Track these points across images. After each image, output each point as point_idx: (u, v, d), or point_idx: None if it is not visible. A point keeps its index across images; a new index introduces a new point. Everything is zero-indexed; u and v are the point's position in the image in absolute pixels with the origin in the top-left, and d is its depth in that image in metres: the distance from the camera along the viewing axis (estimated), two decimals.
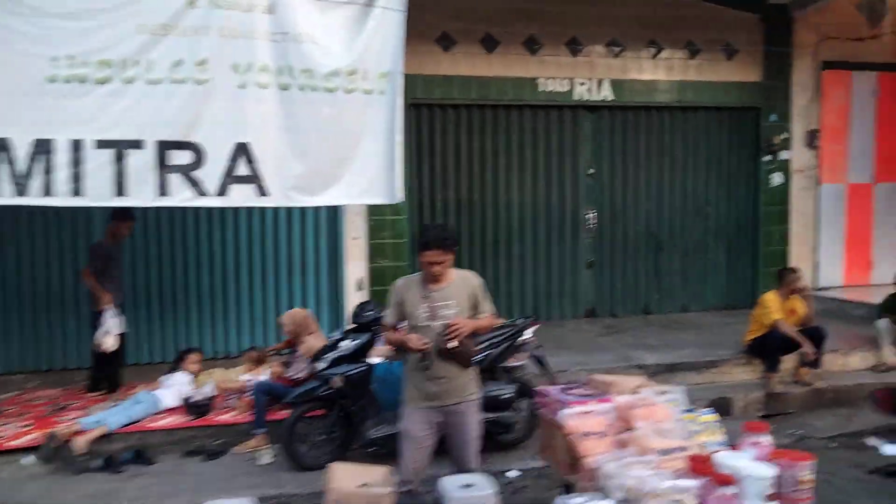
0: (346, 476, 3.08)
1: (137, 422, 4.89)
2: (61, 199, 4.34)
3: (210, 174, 4.60)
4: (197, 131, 4.56)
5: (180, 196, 4.57)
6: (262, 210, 6.86)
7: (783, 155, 8.27)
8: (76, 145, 4.33)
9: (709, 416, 3.07)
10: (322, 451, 4.47)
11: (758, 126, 8.22)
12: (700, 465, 2.58)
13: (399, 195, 5.08)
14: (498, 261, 7.71)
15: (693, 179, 8.29)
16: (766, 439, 2.71)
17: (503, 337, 4.63)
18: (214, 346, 6.79)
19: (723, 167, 8.36)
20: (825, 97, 8.42)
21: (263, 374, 5.26)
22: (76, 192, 4.35)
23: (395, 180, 5.05)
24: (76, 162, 4.34)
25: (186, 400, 5.05)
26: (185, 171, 4.55)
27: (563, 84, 7.56)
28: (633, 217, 8.15)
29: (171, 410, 5.10)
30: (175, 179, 4.54)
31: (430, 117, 7.39)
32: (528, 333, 4.73)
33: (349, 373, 4.29)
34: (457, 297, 3.25)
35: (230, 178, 4.65)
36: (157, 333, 6.72)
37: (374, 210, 6.98)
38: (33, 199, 4.31)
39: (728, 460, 2.60)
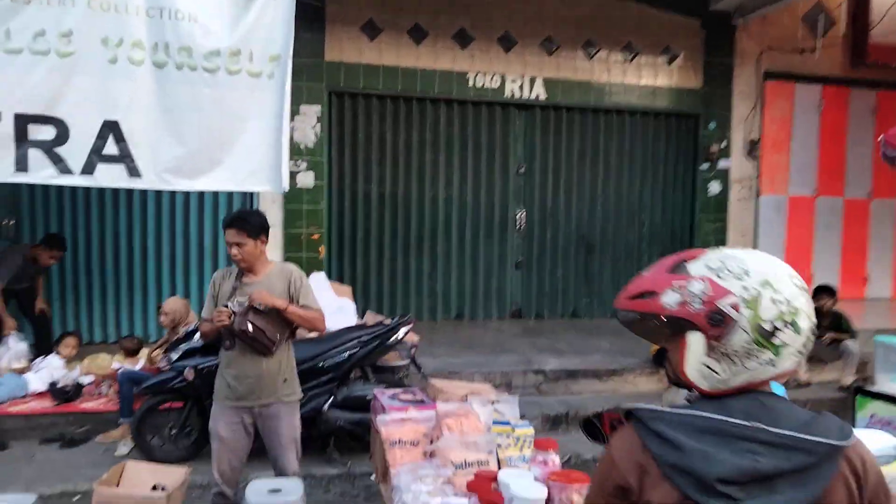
0: (138, 475, 2.89)
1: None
2: None
3: (74, 151, 4.40)
4: (60, 106, 4.36)
5: (42, 173, 4.37)
6: (172, 194, 6.68)
7: (722, 164, 8.12)
8: None
9: (524, 430, 2.90)
10: (177, 445, 4.29)
11: (696, 133, 8.08)
12: (478, 483, 2.41)
13: (285, 184, 4.89)
14: (422, 257, 7.53)
15: (628, 184, 8.14)
16: (553, 458, 2.54)
17: (371, 336, 4.45)
18: (106, 332, 6.59)
19: (659, 173, 8.21)
20: (768, 107, 8.28)
21: (140, 363, 5.06)
22: None
23: (281, 168, 4.86)
24: None
25: (53, 385, 4.85)
26: (47, 146, 4.35)
27: (494, 80, 7.38)
28: (564, 218, 7.99)
29: (38, 395, 4.89)
30: (35, 154, 4.34)
31: (352, 106, 7.20)
32: (401, 333, 4.55)
33: (200, 365, 4.10)
34: (270, 289, 3.07)
35: (97, 156, 4.45)
36: (58, 314, 6.52)
37: (290, 198, 6.79)
38: None
39: (506, 478, 2.42)
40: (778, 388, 1.84)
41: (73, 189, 6.28)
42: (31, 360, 5.14)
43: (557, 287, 8.02)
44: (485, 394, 3.23)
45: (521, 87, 7.48)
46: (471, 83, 7.31)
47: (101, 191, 6.45)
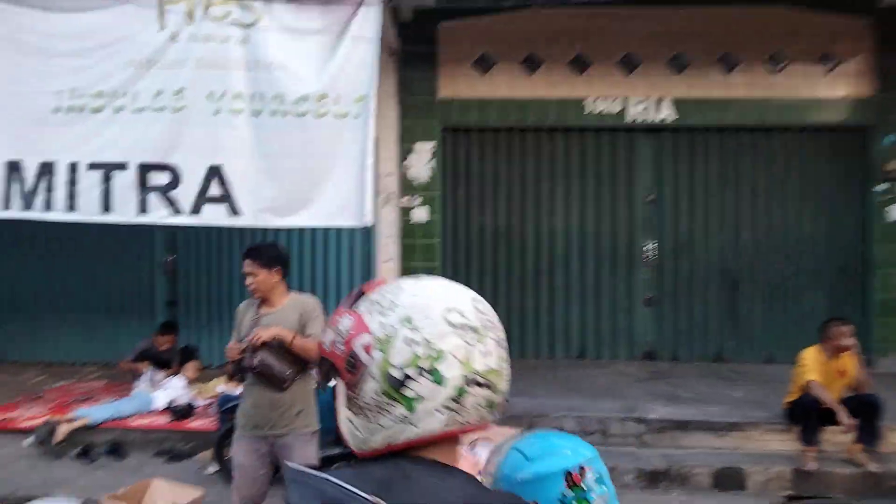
0: (160, 493, 3.09)
1: (126, 418, 5.33)
2: (59, 214, 4.95)
3: (185, 194, 4.95)
4: (174, 154, 4.94)
5: (158, 213, 4.97)
6: (301, 231, 7.18)
7: None
8: (72, 167, 4.92)
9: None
10: None
11: (867, 149, 6.89)
12: None
13: (368, 219, 5.04)
14: (539, 291, 7.26)
15: (780, 210, 7.15)
16: None
17: None
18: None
19: (819, 197, 7.11)
20: None
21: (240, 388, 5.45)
22: (71, 207, 4.93)
23: (364, 203, 5.02)
24: (72, 182, 4.92)
25: (170, 404, 5.41)
26: (163, 190, 4.95)
27: (615, 104, 6.98)
28: (703, 250, 7.22)
29: (160, 412, 5.48)
30: (154, 198, 4.95)
31: (466, 141, 7.24)
32: None
33: None
34: (283, 321, 3.14)
35: (203, 198, 4.96)
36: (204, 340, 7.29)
37: (406, 233, 6.99)
38: (36, 214, 4.96)
39: None
40: None
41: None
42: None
43: (696, 327, 7.24)
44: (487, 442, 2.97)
45: (646, 110, 6.98)
46: (588, 109, 6.99)
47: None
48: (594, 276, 7.27)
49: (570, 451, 1.24)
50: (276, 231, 6.84)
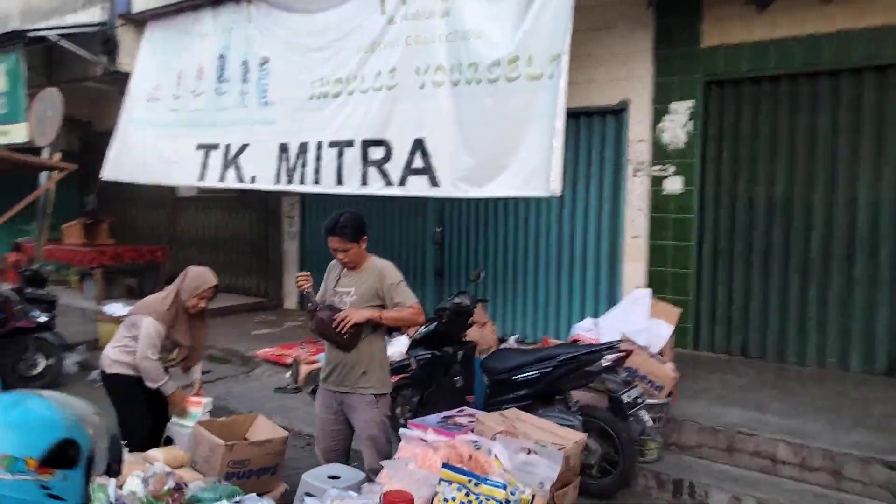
0: (262, 426, 3.50)
1: None
2: (308, 186, 5.85)
3: (395, 167, 5.34)
4: (387, 130, 5.36)
5: (375, 185, 5.47)
6: (549, 202, 7.00)
7: None
8: (318, 146, 5.75)
9: (491, 489, 2.19)
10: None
11: None
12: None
13: (554, 187, 4.66)
14: (828, 281, 5.64)
15: None
16: None
17: (568, 356, 3.79)
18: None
19: None
20: None
21: None
22: (316, 181, 5.78)
23: (552, 170, 4.66)
24: (317, 158, 5.76)
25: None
26: (379, 164, 5.42)
27: None
28: None
29: None
30: (372, 171, 5.47)
31: (735, 97, 5.98)
32: (606, 360, 3.71)
33: (418, 356, 4.38)
34: (357, 286, 3.17)
35: (409, 169, 5.27)
36: None
37: (657, 206, 6.24)
38: (294, 187, 5.95)
39: None
40: None
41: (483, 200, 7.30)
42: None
43: None
44: (551, 441, 2.55)
45: None
46: None
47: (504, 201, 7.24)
48: None
49: None
50: (546, 203, 6.74)
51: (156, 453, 3.11)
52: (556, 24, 4.62)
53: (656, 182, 6.26)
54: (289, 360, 6.30)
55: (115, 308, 7.25)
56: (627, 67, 6.27)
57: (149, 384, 3.51)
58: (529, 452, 2.44)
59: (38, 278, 6.64)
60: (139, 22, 7.65)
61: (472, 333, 4.99)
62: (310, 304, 3.28)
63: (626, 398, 3.71)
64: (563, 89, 4.59)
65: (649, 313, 5.19)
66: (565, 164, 4.76)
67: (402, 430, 2.77)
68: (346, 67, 5.61)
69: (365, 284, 3.20)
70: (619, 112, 6.41)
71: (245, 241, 9.99)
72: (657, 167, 6.23)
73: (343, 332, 3.08)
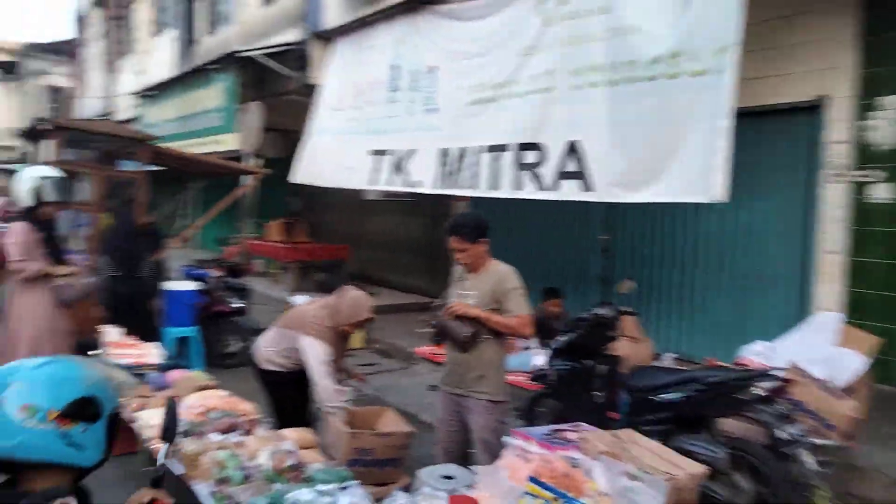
0: (391, 418, 3.60)
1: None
2: (465, 190, 5.95)
3: (547, 171, 5.23)
4: (541, 133, 5.27)
5: (528, 189, 5.40)
6: (724, 213, 6.37)
7: None
8: (477, 150, 5.82)
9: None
10: None
11: None
12: None
13: (718, 192, 4.24)
14: None
15: None
16: None
17: (717, 381, 3.34)
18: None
19: None
20: None
21: None
22: (472, 185, 5.86)
23: (716, 174, 4.25)
24: (475, 163, 5.83)
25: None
26: (531, 168, 5.35)
27: None
28: None
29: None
30: (525, 175, 5.41)
31: None
32: (759, 390, 3.21)
33: (557, 367, 4.19)
34: (479, 289, 3.12)
35: (561, 173, 5.13)
36: None
37: (860, 217, 5.40)
38: (453, 191, 6.08)
39: None
40: None
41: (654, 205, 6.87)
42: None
43: None
44: (664, 469, 2.35)
45: None
46: None
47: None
48: None
49: None
50: (722, 213, 6.21)
51: (288, 433, 3.34)
52: (724, 13, 4.19)
53: (859, 189, 5.41)
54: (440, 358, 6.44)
55: (300, 299, 7.98)
56: (824, 58, 5.49)
57: (323, 406, 3.47)
58: (634, 479, 2.23)
59: (236, 269, 7.53)
60: (327, 39, 8.36)
61: (622, 348, 4.70)
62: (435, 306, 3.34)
63: (780, 434, 3.23)
64: (730, 85, 4.14)
65: (837, 341, 4.49)
66: (739, 167, 4.30)
67: (505, 438, 2.69)
68: (504, 72, 5.61)
69: (486, 287, 3.17)
70: (812, 109, 5.64)
71: (417, 242, 10.44)
72: (860, 172, 5.38)
73: (451, 318, 3.09)
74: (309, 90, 8.61)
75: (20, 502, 1.33)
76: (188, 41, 13.59)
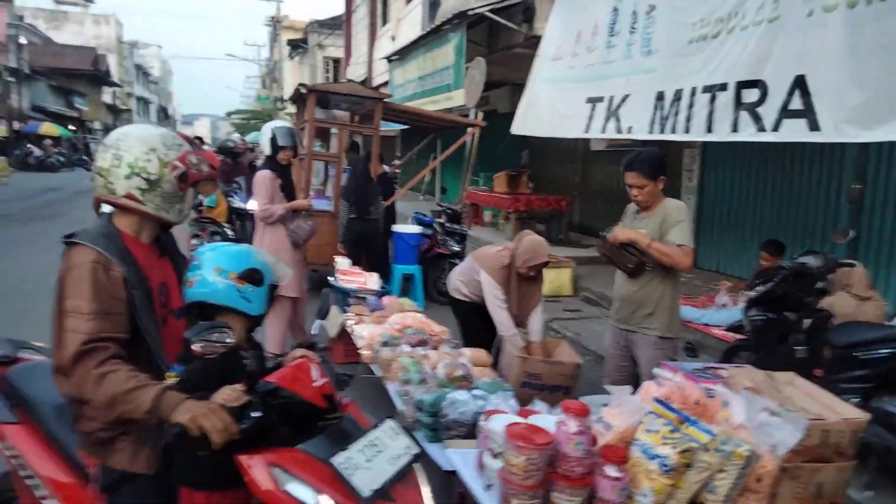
0: (565, 350, 3.75)
1: (713, 325, 5.78)
2: (678, 135, 5.65)
3: (769, 110, 4.76)
4: (764, 69, 4.79)
5: (746, 132, 4.97)
6: None
7: None
8: (692, 91, 5.49)
9: (696, 431, 2.03)
10: None
11: None
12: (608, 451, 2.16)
13: None
14: None
15: None
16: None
17: None
18: None
19: None
20: None
21: None
22: (686, 129, 5.55)
23: None
24: (690, 105, 5.51)
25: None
26: (751, 107, 4.91)
27: None
28: None
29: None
30: (744, 116, 4.98)
31: None
32: None
33: (752, 318, 3.86)
34: (649, 226, 3.04)
35: (784, 112, 4.64)
36: None
37: None
38: (665, 136, 5.80)
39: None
40: None
41: None
42: None
43: None
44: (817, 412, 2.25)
45: None
46: None
47: None
48: None
49: None
50: None
51: (467, 351, 3.70)
52: None
53: None
54: None
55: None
56: None
57: (500, 332, 3.77)
58: (774, 415, 2.12)
59: (456, 216, 8.13)
60: None
61: (842, 304, 4.20)
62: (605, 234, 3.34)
63: None
64: None
65: None
66: None
67: (654, 370, 2.68)
68: (728, 3, 5.15)
69: (656, 222, 3.11)
70: None
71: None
72: None
73: (617, 246, 3.09)
74: (535, 42, 8.74)
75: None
76: (433, 4, 14.49)
